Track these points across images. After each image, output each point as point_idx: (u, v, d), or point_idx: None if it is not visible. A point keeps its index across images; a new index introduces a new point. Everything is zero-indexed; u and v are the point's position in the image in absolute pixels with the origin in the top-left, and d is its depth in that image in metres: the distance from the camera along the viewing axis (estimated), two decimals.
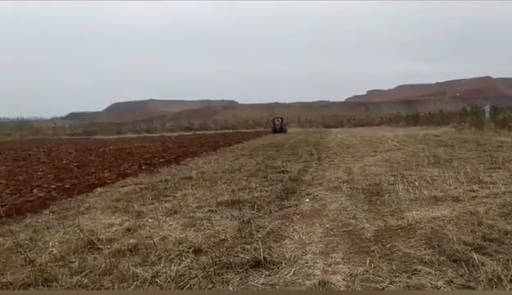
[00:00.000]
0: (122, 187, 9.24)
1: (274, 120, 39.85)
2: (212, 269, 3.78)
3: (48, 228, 5.74)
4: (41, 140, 38.38)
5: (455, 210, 5.62)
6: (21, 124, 69.04)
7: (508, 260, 3.65)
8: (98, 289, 3.48)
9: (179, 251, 4.33)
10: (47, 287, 3.50)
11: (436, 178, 8.43)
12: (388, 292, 3.28)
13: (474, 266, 3.57)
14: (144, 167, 12.61)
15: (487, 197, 6.44)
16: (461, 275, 3.45)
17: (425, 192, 6.98)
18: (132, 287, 3.45)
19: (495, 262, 3.60)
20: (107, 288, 3.50)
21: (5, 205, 7.42)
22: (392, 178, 8.70)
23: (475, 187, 7.20)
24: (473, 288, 3.23)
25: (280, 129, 37.85)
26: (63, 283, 3.53)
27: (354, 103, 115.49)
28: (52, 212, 6.95)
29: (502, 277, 3.26)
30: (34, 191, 9.00)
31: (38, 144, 30.16)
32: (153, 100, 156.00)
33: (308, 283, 3.42)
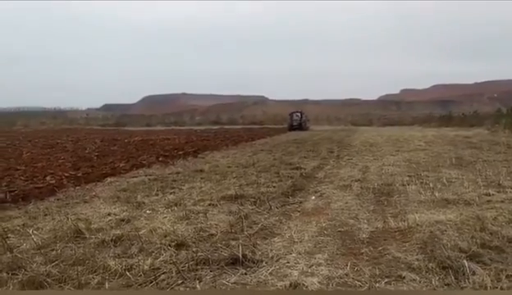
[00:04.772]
0: (133, 177, 9.25)
1: (292, 115, 32.91)
2: (187, 264, 3.65)
3: (45, 215, 5.77)
4: (73, 130, 39.32)
5: (463, 214, 5.31)
6: (57, 114, 71.06)
7: (502, 271, 3.37)
8: (98, 289, 3.39)
9: (161, 244, 4.23)
10: (19, 273, 3.46)
11: (453, 180, 8.07)
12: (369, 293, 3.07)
13: (464, 275, 3.31)
14: (161, 159, 12.65)
15: (502, 202, 6.08)
16: (447, 284, 3.20)
17: (437, 194, 6.67)
18: (98, 278, 3.36)
19: (486, 272, 3.32)
20: (93, 289, 3.43)
21: (14, 190, 7.53)
22: (407, 178, 8.39)
23: (492, 191, 6.82)
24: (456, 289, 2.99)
25: (298, 126, 30.95)
26: (29, 272, 3.48)
27: (386, 102, 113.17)
28: (57, 200, 6.99)
29: (489, 288, 3.00)
30: (47, 178, 9.13)
31: (69, 133, 30.90)
32: (185, 94, 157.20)
33: (279, 284, 3.25)
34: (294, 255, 3.98)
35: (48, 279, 3.35)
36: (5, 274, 3.47)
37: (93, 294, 3.28)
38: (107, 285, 3.31)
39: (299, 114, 32.93)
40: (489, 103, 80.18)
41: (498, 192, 6.78)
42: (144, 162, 11.84)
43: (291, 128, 30.75)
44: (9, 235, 4.75)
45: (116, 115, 70.50)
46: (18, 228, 5.05)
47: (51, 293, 3.31)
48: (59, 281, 3.39)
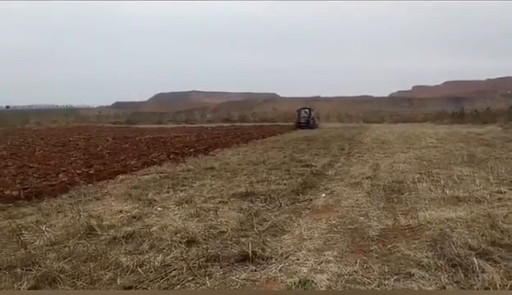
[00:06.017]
0: (144, 175, 9.32)
1: (300, 111, 30.39)
2: (197, 261, 3.70)
3: (58, 212, 5.86)
4: (84, 127, 39.49)
5: (473, 211, 5.29)
6: (69, 112, 71.59)
7: None
8: (107, 289, 3.43)
9: (172, 241, 4.29)
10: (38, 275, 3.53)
11: (465, 177, 8.01)
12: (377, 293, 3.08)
13: (474, 272, 3.31)
14: (172, 156, 12.71)
15: None
16: (456, 282, 3.21)
17: (448, 191, 6.64)
18: (110, 274, 3.42)
19: (496, 270, 3.31)
20: (92, 289, 3.48)
21: (27, 188, 7.64)
22: (418, 176, 8.35)
23: (504, 188, 6.77)
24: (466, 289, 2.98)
25: (306, 124, 28.64)
26: (43, 268, 3.55)
27: (398, 99, 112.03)
28: (70, 197, 7.08)
29: (498, 286, 3.00)
30: (60, 175, 9.24)
31: (81, 131, 31.09)
32: (195, 91, 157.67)
33: (289, 280, 3.28)
34: (303, 252, 4.01)
35: (61, 275, 3.42)
36: (19, 270, 3.55)
37: (93, 294, 3.32)
38: (118, 281, 3.37)
39: (307, 110, 30.32)
40: (502, 100, 78.94)
41: (510, 189, 6.73)
42: (155, 160, 11.91)
43: (299, 125, 28.59)
44: (23, 232, 4.85)
45: (127, 112, 70.74)
46: (32, 224, 5.14)
47: (54, 293, 3.35)
48: (72, 277, 3.45)
